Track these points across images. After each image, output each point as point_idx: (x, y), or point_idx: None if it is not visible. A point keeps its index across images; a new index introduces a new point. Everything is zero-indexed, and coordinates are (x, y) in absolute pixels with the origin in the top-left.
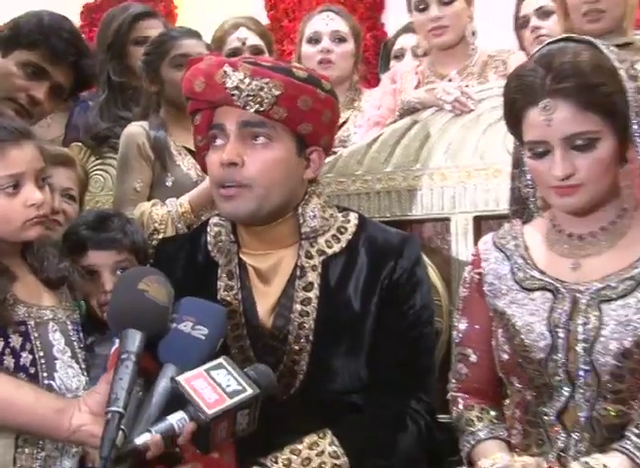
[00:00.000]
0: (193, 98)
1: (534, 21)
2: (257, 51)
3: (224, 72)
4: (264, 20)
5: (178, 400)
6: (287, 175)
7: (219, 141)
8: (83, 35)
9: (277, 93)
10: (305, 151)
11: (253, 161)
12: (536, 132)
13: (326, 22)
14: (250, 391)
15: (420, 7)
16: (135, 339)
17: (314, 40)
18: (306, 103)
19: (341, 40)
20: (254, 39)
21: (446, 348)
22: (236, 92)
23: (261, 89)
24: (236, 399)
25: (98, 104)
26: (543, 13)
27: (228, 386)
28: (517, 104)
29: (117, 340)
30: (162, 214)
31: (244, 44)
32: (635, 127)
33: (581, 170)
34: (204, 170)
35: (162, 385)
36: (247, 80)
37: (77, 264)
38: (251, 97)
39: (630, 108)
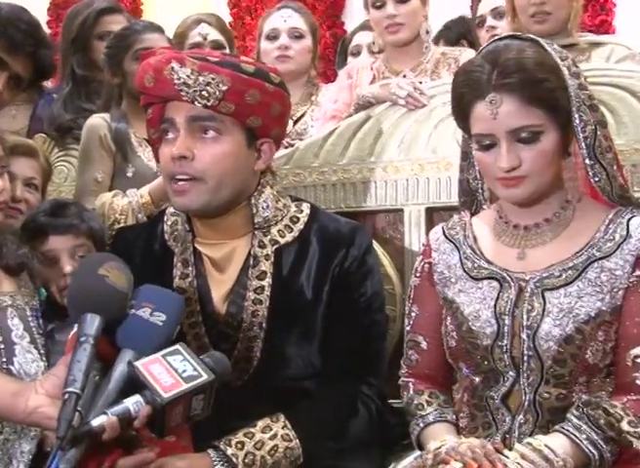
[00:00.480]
0: (145, 93)
1: (489, 21)
2: (218, 46)
3: (172, 68)
4: (227, 17)
5: (134, 384)
6: (237, 167)
7: (170, 135)
8: (50, 30)
9: (224, 88)
10: (256, 143)
11: (203, 154)
12: (482, 125)
13: (284, 19)
14: (205, 377)
15: (377, 4)
16: (93, 323)
17: (272, 37)
18: (254, 97)
19: (299, 36)
20: (215, 34)
21: (399, 335)
22: (184, 87)
23: (208, 84)
24: (192, 384)
25: (62, 97)
26: (498, 13)
27: (184, 372)
28: (465, 99)
29: (76, 325)
30: (123, 205)
31: (205, 39)
32: (577, 121)
33: (526, 162)
34: (159, 162)
35: (119, 369)
36: (194, 76)
37: (37, 251)
38: (198, 93)
39: (572, 103)
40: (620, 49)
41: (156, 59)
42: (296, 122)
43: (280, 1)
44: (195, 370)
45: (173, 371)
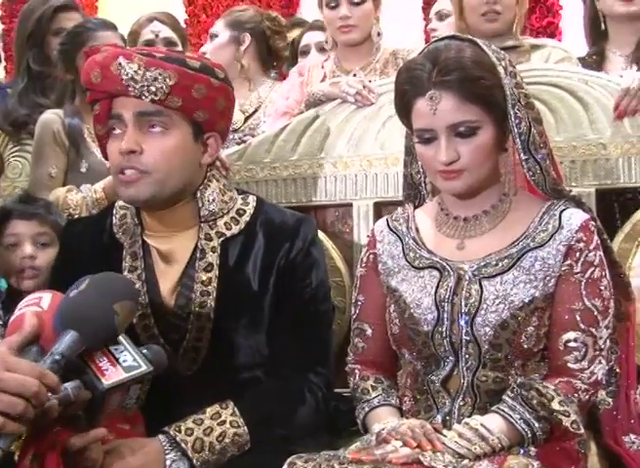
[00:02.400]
0: (91, 89)
1: (432, 23)
2: (169, 43)
3: (119, 64)
4: (183, 15)
5: (76, 368)
6: (184, 160)
7: (117, 131)
8: (3, 25)
9: (171, 83)
10: (202, 137)
11: (150, 148)
12: (423, 120)
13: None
14: (144, 367)
15: (331, 5)
16: (75, 345)
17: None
18: (201, 92)
19: (213, 36)
20: (167, 32)
21: (349, 325)
22: (131, 82)
23: (155, 79)
24: (131, 373)
25: (17, 92)
26: (441, 15)
27: (125, 361)
28: (407, 95)
29: (21, 307)
30: (77, 200)
31: (157, 36)
32: (512, 118)
33: (464, 155)
34: (106, 158)
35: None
36: (141, 71)
37: (1, 237)
38: (145, 88)
39: (508, 101)
40: (558, 51)
41: (102, 56)
42: (247, 118)
43: (235, 0)
44: (135, 360)
45: (114, 360)
